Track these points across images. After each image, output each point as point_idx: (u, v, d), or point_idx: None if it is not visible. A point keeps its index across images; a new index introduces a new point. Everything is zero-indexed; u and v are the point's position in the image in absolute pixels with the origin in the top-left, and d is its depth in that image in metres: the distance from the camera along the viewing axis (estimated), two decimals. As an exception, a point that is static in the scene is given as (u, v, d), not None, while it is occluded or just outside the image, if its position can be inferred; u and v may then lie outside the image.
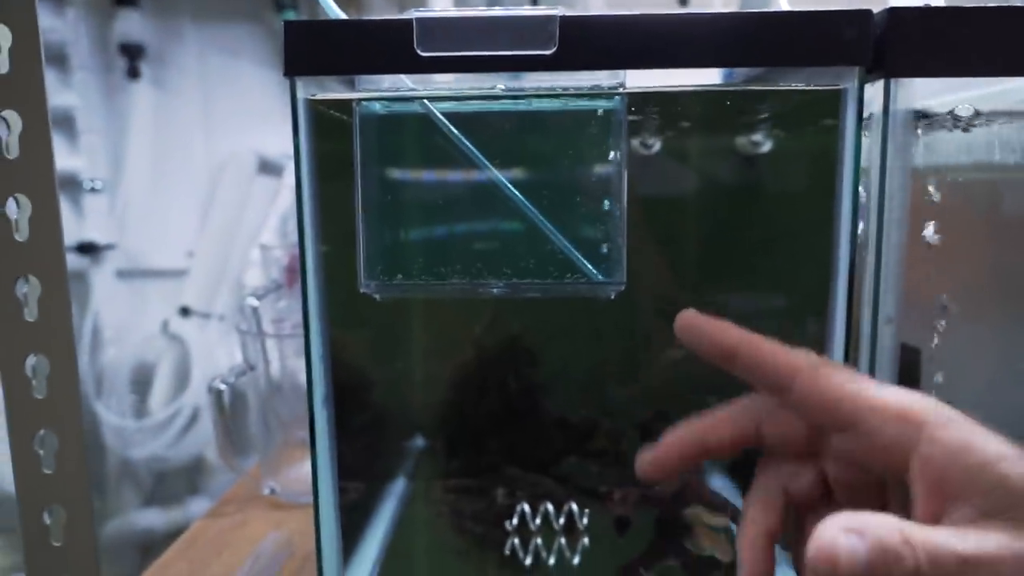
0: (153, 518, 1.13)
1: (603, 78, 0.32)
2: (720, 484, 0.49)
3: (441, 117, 0.33)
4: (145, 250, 1.20)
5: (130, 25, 1.12)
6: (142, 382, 1.14)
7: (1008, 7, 0.29)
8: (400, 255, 0.34)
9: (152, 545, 1.10)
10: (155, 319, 1.16)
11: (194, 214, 1.20)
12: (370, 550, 0.44)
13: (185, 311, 1.15)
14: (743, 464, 0.51)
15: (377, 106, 0.34)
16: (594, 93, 0.32)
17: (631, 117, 0.37)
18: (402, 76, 0.32)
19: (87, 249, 1.14)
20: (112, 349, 1.16)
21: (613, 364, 0.55)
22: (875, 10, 0.30)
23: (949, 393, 0.37)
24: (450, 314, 0.54)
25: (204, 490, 1.17)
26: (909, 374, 0.38)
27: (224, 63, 1.17)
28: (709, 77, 0.35)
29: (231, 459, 0.55)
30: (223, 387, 0.54)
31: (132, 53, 1.13)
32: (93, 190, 1.15)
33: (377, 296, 0.35)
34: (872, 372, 0.32)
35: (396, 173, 0.34)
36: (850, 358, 0.32)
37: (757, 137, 0.49)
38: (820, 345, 0.33)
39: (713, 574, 0.41)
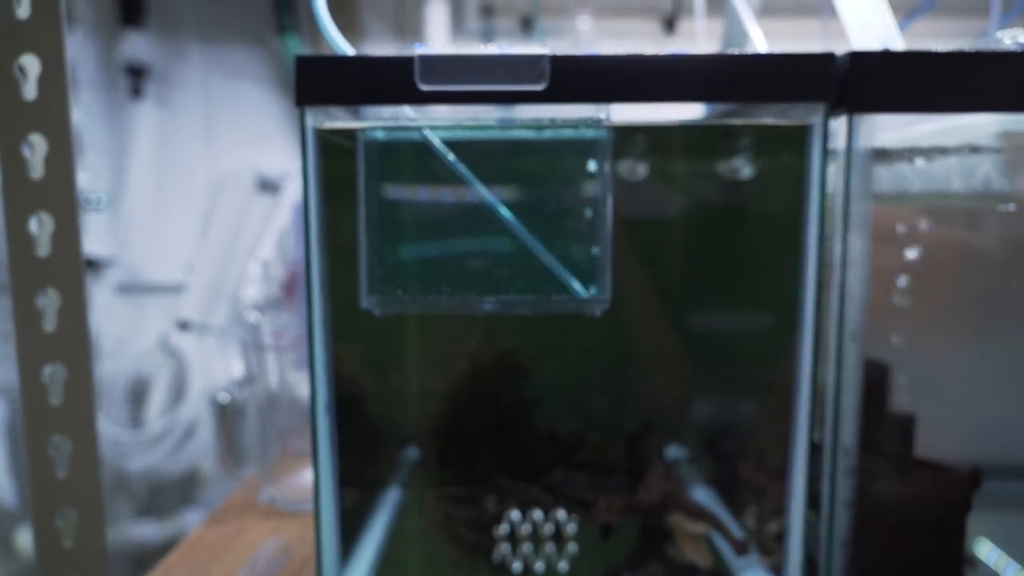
0: (147, 530, 1.14)
1: (590, 111, 0.35)
2: (700, 493, 0.51)
3: (439, 145, 0.36)
4: (145, 265, 1.22)
5: (136, 46, 1.15)
6: (139, 394, 1.16)
7: (958, 52, 0.32)
8: (399, 272, 0.36)
9: (146, 557, 1.11)
10: (153, 333, 1.18)
11: (194, 230, 1.23)
12: (366, 555, 0.46)
13: (183, 325, 1.16)
14: (725, 478, 0.54)
15: (379, 134, 0.36)
16: (581, 125, 0.34)
17: (617, 147, 0.39)
18: (403, 107, 0.35)
19: (87, 264, 1.16)
20: (110, 362, 1.17)
21: (601, 380, 0.57)
22: (839, 53, 0.33)
23: (913, 406, 0.39)
24: (445, 330, 0.56)
25: (199, 502, 1.18)
26: (877, 390, 0.40)
27: (226, 84, 1.20)
28: (691, 111, 0.38)
29: (232, 468, 0.57)
30: (226, 397, 0.56)
31: (137, 72, 1.16)
32: (95, 206, 1.17)
33: (377, 311, 0.38)
34: (838, 387, 0.34)
35: (396, 196, 0.37)
36: (818, 373, 0.34)
37: (736, 167, 0.52)
38: (790, 361, 0.35)
39: (693, 579, 0.43)
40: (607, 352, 0.56)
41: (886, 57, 0.32)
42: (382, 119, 0.36)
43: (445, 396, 0.55)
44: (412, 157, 0.37)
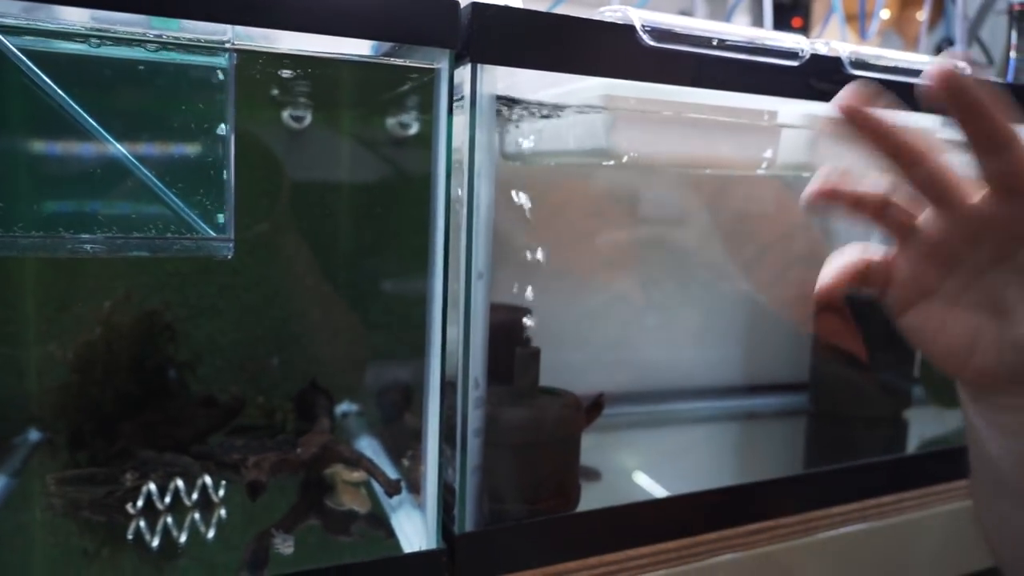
0: None
1: (210, 32, 0.32)
2: (366, 444, 0.52)
3: (17, 53, 0.30)
4: None
5: None
6: None
7: (566, 16, 0.35)
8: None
9: None
10: None
11: None
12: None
13: None
14: (390, 427, 0.55)
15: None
16: (196, 45, 0.31)
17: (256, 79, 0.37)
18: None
19: None
20: None
21: (267, 340, 0.54)
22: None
23: (540, 339, 0.43)
24: (76, 288, 0.48)
25: None
26: (509, 329, 0.44)
27: None
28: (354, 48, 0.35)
29: None
30: None
31: None
32: None
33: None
34: (467, 322, 0.36)
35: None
36: (447, 309, 0.36)
37: (389, 118, 0.52)
38: (423, 297, 0.36)
39: (351, 526, 0.43)
40: (272, 311, 0.53)
41: (505, 12, 0.34)
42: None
43: (75, 367, 0.48)
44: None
